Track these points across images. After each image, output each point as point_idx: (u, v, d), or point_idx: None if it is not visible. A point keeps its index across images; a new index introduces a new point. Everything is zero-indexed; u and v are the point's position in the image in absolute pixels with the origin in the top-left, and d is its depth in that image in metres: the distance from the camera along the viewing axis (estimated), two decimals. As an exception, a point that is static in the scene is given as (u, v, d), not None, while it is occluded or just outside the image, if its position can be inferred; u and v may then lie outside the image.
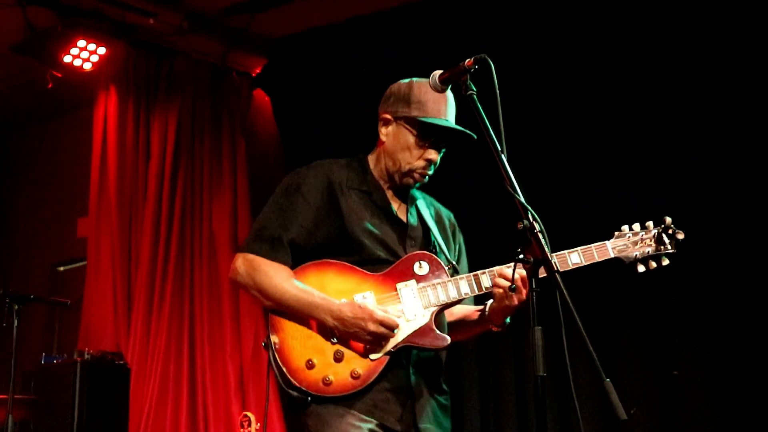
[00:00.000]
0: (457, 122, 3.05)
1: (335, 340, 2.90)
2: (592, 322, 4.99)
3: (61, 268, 8.08)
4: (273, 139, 7.12)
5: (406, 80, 3.08)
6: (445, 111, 3.02)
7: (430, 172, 3.07)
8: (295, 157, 6.34)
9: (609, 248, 3.00)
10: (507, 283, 2.87)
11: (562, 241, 2.89)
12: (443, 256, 3.06)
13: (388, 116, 3.07)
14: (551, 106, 5.61)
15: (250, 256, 2.99)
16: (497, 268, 2.95)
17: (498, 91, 2.59)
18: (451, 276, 3.00)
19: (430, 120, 2.99)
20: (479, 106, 2.63)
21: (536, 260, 2.41)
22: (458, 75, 2.71)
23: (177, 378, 6.56)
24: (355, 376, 2.87)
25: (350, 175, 3.09)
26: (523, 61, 5.54)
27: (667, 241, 3.00)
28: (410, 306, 2.94)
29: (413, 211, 3.14)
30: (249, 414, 5.34)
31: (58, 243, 8.00)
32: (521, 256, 2.43)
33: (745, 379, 4.83)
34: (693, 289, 5.03)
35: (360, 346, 2.89)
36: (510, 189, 2.48)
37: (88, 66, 6.64)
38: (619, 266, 3.02)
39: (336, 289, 2.94)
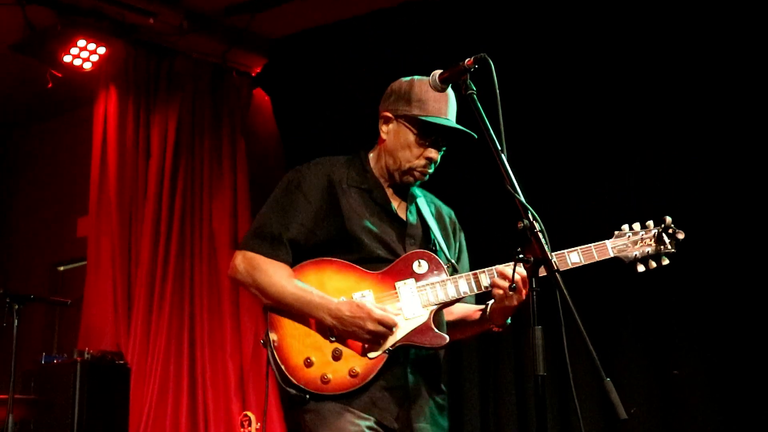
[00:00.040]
0: (457, 121, 3.05)
1: (334, 339, 2.90)
2: (592, 321, 4.99)
3: (61, 268, 8.09)
4: (273, 139, 7.12)
5: (407, 78, 3.08)
6: (446, 110, 3.02)
7: (431, 171, 3.07)
8: (295, 156, 6.34)
9: (609, 248, 2.99)
10: (506, 284, 2.87)
11: (562, 241, 2.89)
12: (443, 255, 3.06)
13: (389, 114, 3.07)
14: (551, 106, 5.60)
15: (250, 254, 2.99)
16: (496, 267, 2.95)
17: (498, 91, 2.60)
18: (451, 275, 3.00)
19: (430, 119, 2.99)
20: (479, 105, 2.63)
21: (536, 259, 2.41)
22: (458, 74, 2.72)
23: (177, 378, 6.56)
24: (353, 375, 2.87)
25: (350, 172, 3.09)
26: (523, 60, 5.54)
27: (667, 240, 2.99)
28: (409, 305, 2.94)
29: (413, 209, 3.13)
30: (249, 414, 5.34)
31: (58, 243, 8.00)
32: (521, 255, 2.43)
33: (745, 379, 4.83)
34: (693, 289, 5.03)
35: (358, 344, 2.89)
36: (510, 188, 2.48)
37: (88, 65, 6.63)
38: (619, 266, 3.02)
39: (335, 288, 2.94)
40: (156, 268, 6.66)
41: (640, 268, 2.99)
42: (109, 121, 6.89)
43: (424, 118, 2.99)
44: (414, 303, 2.94)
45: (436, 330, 2.93)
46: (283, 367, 2.89)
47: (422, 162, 3.03)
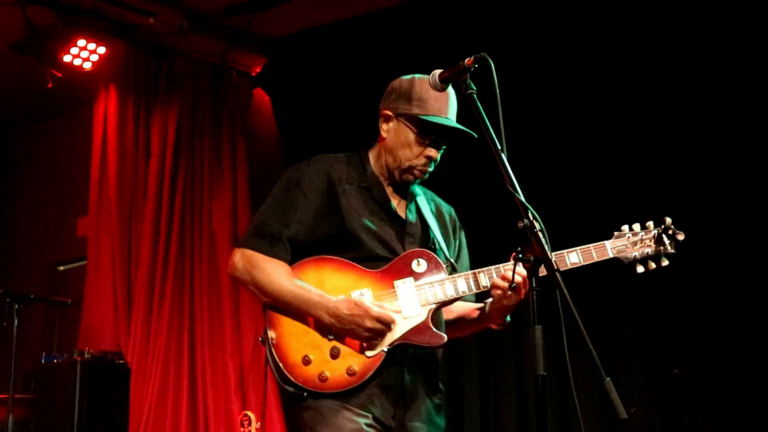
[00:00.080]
0: (457, 120, 3.05)
1: (332, 337, 2.90)
2: (592, 321, 4.99)
3: (61, 268, 8.09)
4: (273, 139, 7.12)
5: (408, 77, 3.08)
6: (446, 109, 3.02)
7: (430, 169, 3.07)
8: (295, 156, 6.29)
9: (608, 248, 2.98)
10: (505, 284, 2.88)
11: (562, 241, 2.89)
12: (442, 254, 3.06)
13: (389, 113, 3.07)
14: (551, 106, 5.60)
15: (248, 252, 3.00)
16: (496, 267, 2.95)
17: (498, 90, 2.60)
18: (450, 274, 3.00)
19: (430, 118, 2.98)
20: (479, 105, 2.63)
21: (536, 259, 2.41)
22: (458, 74, 2.72)
23: (177, 377, 6.56)
24: (350, 373, 2.87)
25: (350, 170, 3.09)
26: (524, 60, 5.54)
27: (667, 241, 2.97)
28: (407, 303, 2.94)
29: (412, 207, 3.13)
30: (249, 413, 5.34)
31: (58, 242, 8.00)
32: (521, 254, 2.44)
33: (745, 379, 4.83)
34: (693, 289, 5.03)
35: (356, 343, 2.89)
36: (510, 188, 2.48)
37: (87, 65, 6.64)
38: (618, 266, 3.02)
39: (334, 286, 2.94)
40: (156, 268, 6.66)
41: (640, 269, 2.98)
42: (109, 121, 6.89)
43: (424, 117, 2.98)
44: (412, 302, 2.94)
45: (435, 329, 2.93)
46: (281, 364, 2.89)
47: (422, 161, 3.03)
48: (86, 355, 5.85)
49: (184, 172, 6.90)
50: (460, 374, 5.71)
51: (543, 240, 2.41)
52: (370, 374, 2.87)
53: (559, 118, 5.58)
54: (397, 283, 2.96)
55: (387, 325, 2.87)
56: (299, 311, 2.92)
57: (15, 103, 7.78)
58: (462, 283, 2.96)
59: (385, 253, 3.00)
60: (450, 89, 2.99)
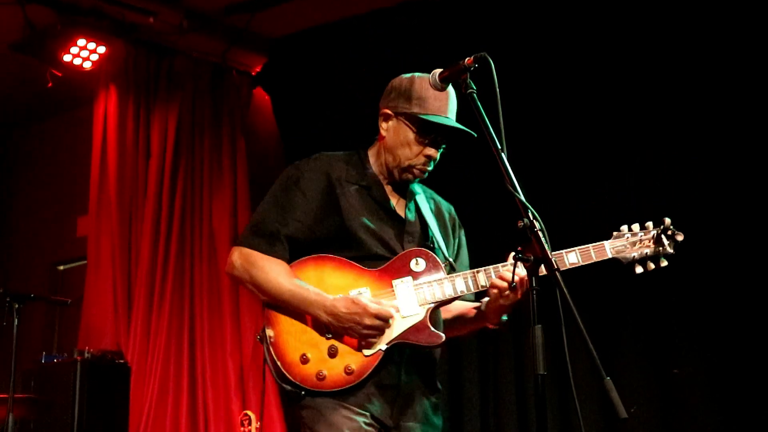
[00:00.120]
0: (458, 120, 3.04)
1: (330, 336, 2.90)
2: (592, 321, 4.99)
3: (61, 267, 8.09)
4: (273, 138, 7.12)
5: (408, 75, 3.07)
6: (446, 108, 3.01)
7: (430, 168, 3.07)
8: (295, 155, 6.21)
9: (607, 249, 2.97)
10: (504, 284, 2.87)
11: (561, 241, 2.88)
12: (440, 253, 3.05)
13: (389, 111, 3.07)
14: (551, 106, 5.60)
15: (247, 250, 3.00)
16: (494, 267, 2.95)
17: (498, 90, 2.59)
18: (448, 273, 3.00)
19: (430, 117, 2.98)
20: (479, 104, 2.63)
21: (536, 258, 2.41)
22: (458, 73, 2.72)
23: (177, 377, 6.56)
24: (348, 372, 2.87)
25: (349, 169, 3.09)
26: (524, 60, 5.54)
27: (666, 242, 2.95)
28: (406, 303, 2.93)
29: (412, 206, 3.13)
30: (249, 413, 5.34)
31: (58, 242, 8.00)
32: (521, 254, 2.44)
33: (745, 379, 4.83)
34: (693, 289, 5.03)
35: (354, 341, 2.89)
36: (510, 187, 2.48)
37: (87, 65, 6.63)
38: (618, 266, 3.01)
39: (333, 284, 2.94)
40: (156, 267, 6.66)
41: (639, 269, 2.97)
42: (109, 121, 6.88)
43: (424, 116, 2.98)
44: (411, 301, 2.94)
45: (432, 329, 2.93)
46: (279, 363, 2.89)
47: (421, 160, 3.03)
48: (86, 355, 5.84)
49: (184, 172, 6.90)
50: (460, 374, 5.71)
51: (543, 240, 2.41)
52: (367, 373, 2.87)
53: (559, 117, 5.58)
54: (396, 282, 2.96)
55: (385, 320, 2.87)
56: (297, 310, 2.92)
57: (15, 102, 7.78)
58: (460, 282, 2.95)
59: (384, 252, 2.99)
60: (450, 89, 2.99)
